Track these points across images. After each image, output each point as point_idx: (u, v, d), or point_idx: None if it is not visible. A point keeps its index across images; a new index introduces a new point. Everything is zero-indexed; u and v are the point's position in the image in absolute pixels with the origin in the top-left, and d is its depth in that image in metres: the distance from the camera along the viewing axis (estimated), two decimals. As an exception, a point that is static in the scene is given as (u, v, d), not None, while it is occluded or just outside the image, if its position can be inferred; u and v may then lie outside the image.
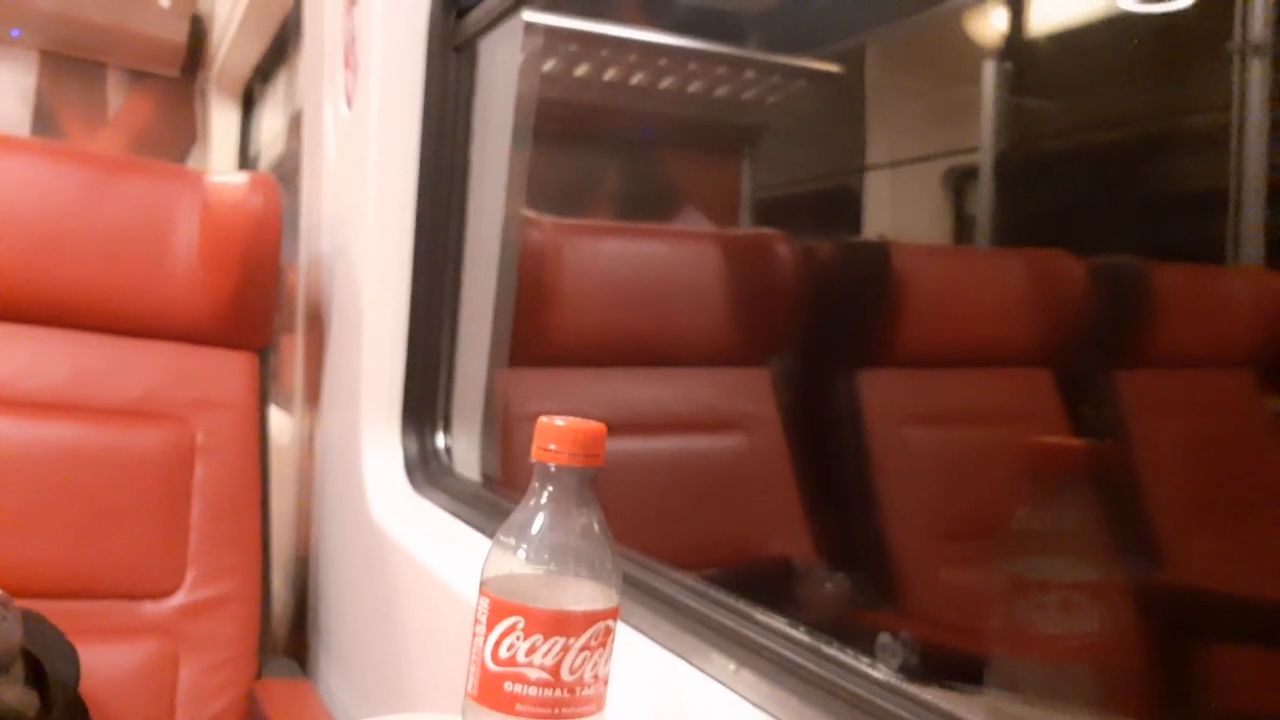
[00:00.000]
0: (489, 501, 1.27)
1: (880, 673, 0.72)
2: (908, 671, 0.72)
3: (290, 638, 1.78)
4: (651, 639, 0.87)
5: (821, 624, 0.79)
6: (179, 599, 1.38)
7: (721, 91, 1.62)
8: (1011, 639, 0.78)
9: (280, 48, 2.98)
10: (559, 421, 0.61)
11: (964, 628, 0.87)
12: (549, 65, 1.73)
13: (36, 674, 1.08)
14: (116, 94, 3.70)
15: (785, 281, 1.45)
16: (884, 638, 0.76)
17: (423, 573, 1.18)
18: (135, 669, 1.33)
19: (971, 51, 1.02)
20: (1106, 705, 0.74)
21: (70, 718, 1.14)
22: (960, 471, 1.02)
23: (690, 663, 0.82)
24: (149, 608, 1.37)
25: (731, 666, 0.79)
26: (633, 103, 1.79)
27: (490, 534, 1.12)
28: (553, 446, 0.60)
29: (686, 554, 1.02)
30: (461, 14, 1.43)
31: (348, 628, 1.52)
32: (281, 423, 1.96)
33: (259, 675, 1.42)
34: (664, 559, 0.98)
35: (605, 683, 0.62)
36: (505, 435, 1.43)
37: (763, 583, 1.01)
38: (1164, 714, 0.77)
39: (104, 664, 1.28)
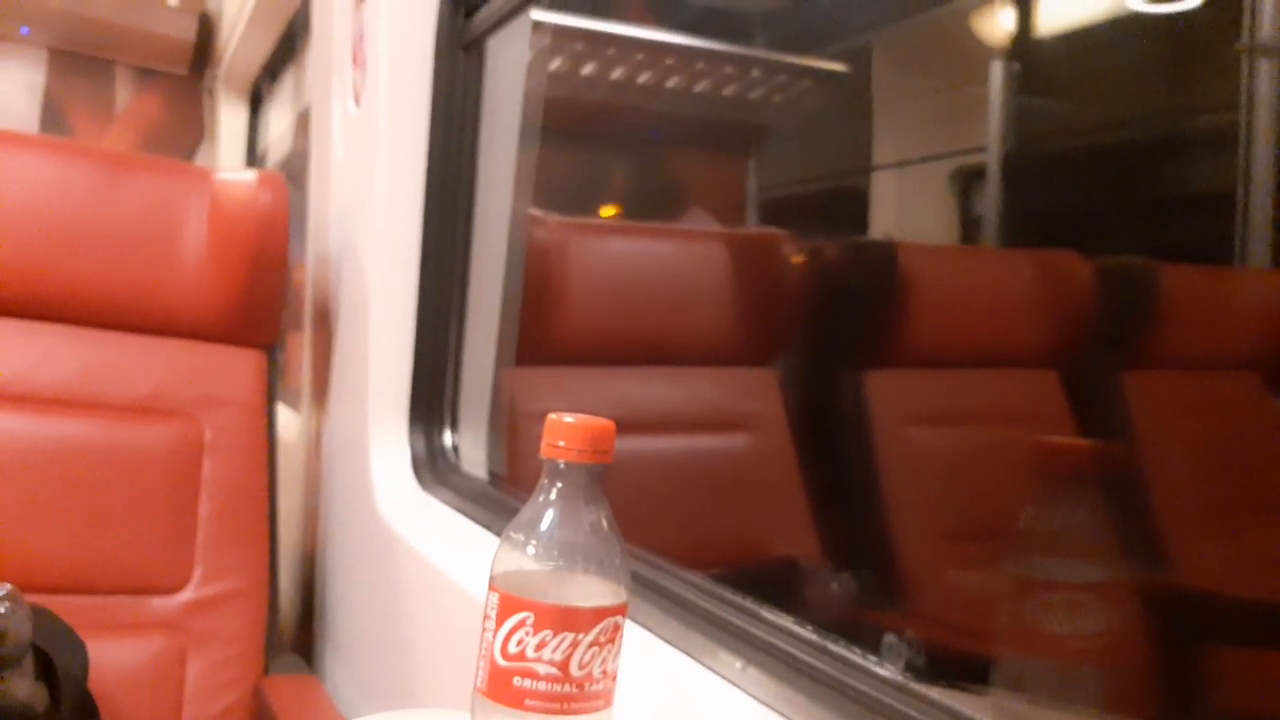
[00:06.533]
0: (495, 499, 1.28)
1: (887, 670, 0.73)
2: (913, 671, 0.72)
3: (297, 634, 1.78)
4: (659, 636, 0.87)
5: (828, 623, 0.79)
6: (187, 595, 1.39)
7: (728, 91, 1.62)
8: (1018, 639, 0.78)
9: (288, 45, 2.98)
10: (568, 418, 0.61)
11: (970, 628, 0.87)
12: (556, 64, 1.73)
13: (46, 669, 1.08)
14: (125, 91, 3.71)
15: (791, 281, 1.45)
16: (889, 637, 0.76)
17: (429, 570, 1.19)
18: (143, 664, 1.33)
19: (978, 51, 1.02)
20: (1113, 706, 0.74)
21: (79, 713, 1.15)
22: (967, 472, 1.02)
23: (698, 660, 0.82)
24: (157, 603, 1.37)
25: (739, 664, 0.79)
26: (640, 102, 1.80)
27: (497, 532, 1.12)
28: (562, 443, 0.61)
29: (693, 553, 1.02)
30: (470, 12, 1.44)
31: (354, 624, 1.52)
32: (289, 420, 1.97)
33: (266, 671, 1.43)
34: (671, 558, 0.98)
35: (614, 678, 0.62)
36: (512, 433, 1.44)
37: (769, 582, 1.01)
38: (1171, 715, 0.77)
39: (112, 659, 1.28)
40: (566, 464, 0.61)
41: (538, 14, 1.42)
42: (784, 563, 1.22)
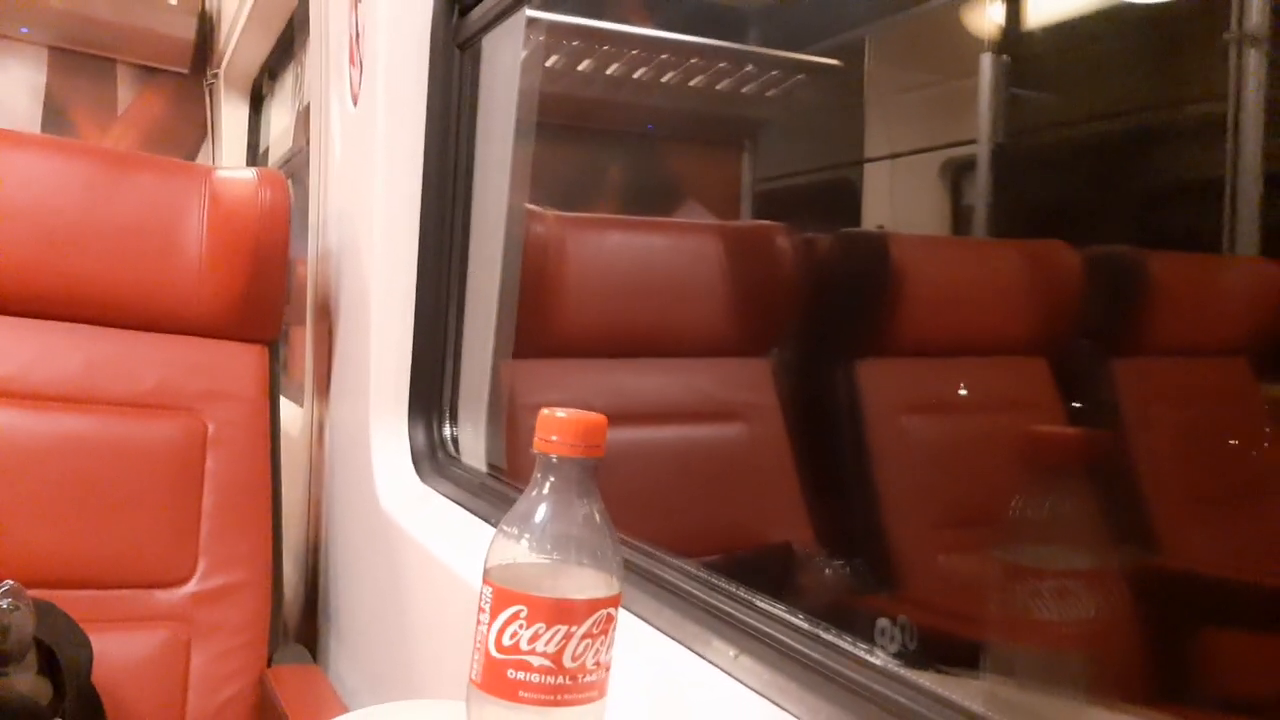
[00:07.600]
0: (494, 491, 1.29)
1: (879, 658, 0.73)
2: (905, 657, 0.73)
3: (300, 625, 1.80)
4: (653, 626, 0.88)
5: (821, 610, 0.80)
6: (191, 588, 1.40)
7: (723, 86, 1.63)
8: (1008, 625, 0.78)
9: (287, 44, 2.99)
10: (560, 413, 0.62)
11: (961, 614, 0.88)
12: (551, 61, 1.74)
13: (50, 663, 1.09)
14: (126, 90, 3.72)
15: (785, 272, 1.46)
16: (882, 623, 0.77)
17: (430, 561, 1.20)
18: (148, 657, 1.35)
19: (969, 45, 1.02)
20: (1102, 691, 0.75)
21: (83, 706, 1.16)
22: (957, 460, 1.03)
23: (691, 649, 0.83)
24: (161, 596, 1.38)
25: (732, 653, 0.80)
26: (635, 97, 1.80)
27: (496, 523, 1.13)
28: (554, 438, 0.62)
29: (690, 541, 1.03)
30: (464, 11, 1.44)
31: (357, 615, 1.54)
32: (291, 414, 1.98)
33: (270, 662, 1.44)
34: (666, 547, 0.99)
35: (607, 669, 0.63)
36: (510, 425, 1.45)
37: (763, 569, 1.02)
38: (1159, 699, 0.77)
39: (117, 652, 1.30)
40: (559, 458, 0.62)
41: (532, 11, 1.43)
42: (778, 549, 1.23)
